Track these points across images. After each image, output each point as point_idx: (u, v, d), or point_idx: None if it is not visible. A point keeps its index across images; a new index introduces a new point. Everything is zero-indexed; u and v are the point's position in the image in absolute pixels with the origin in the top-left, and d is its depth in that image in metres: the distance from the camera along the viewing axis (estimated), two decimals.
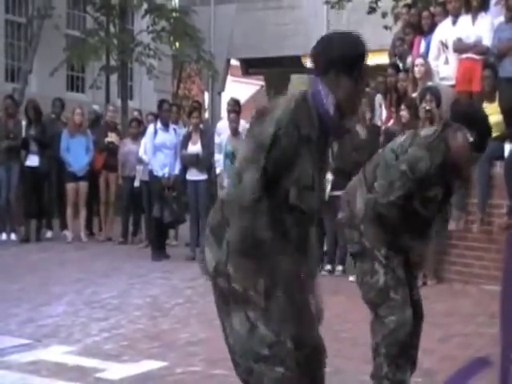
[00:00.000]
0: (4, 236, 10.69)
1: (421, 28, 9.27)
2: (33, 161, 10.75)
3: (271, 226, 2.65)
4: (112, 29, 16.32)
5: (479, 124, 3.68)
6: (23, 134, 10.80)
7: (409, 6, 10.58)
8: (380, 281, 3.58)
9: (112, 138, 11.39)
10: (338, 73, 2.63)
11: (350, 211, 3.73)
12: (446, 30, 8.64)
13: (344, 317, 5.86)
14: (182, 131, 10.38)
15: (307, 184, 2.68)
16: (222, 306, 2.66)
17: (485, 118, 3.84)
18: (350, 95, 2.67)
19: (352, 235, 3.72)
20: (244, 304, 2.59)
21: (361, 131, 8.20)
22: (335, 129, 2.75)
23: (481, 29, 8.34)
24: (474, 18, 8.41)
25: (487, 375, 2.96)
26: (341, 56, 2.62)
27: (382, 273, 3.58)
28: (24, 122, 10.89)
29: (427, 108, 7.67)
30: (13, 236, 10.71)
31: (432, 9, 9.76)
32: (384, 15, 12.48)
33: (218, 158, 9.36)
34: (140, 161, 10.36)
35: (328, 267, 8.54)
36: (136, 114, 12.43)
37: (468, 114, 3.79)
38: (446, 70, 8.65)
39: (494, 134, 7.88)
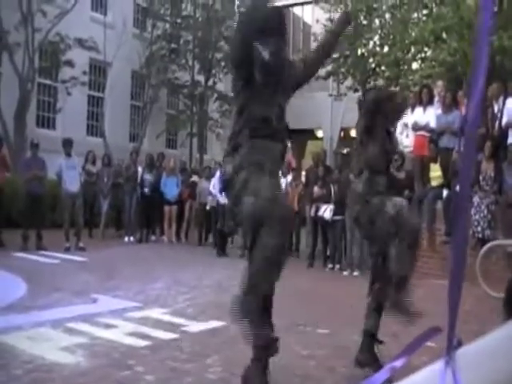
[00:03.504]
0: (126, 238, 10.88)
1: None
2: (147, 191, 10.91)
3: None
4: (194, 109, 16.63)
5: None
6: (139, 174, 11.01)
7: None
8: None
9: (195, 178, 11.57)
10: None
11: None
12: (407, 116, 8.64)
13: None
14: None
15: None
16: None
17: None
18: None
19: None
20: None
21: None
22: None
23: (428, 116, 8.36)
24: (424, 109, 8.43)
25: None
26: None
27: None
28: (140, 168, 11.13)
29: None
30: (131, 238, 10.89)
31: None
32: None
33: None
34: (210, 193, 10.51)
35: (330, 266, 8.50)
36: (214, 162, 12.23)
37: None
38: (406, 141, 8.64)
39: (437, 183, 7.93)
